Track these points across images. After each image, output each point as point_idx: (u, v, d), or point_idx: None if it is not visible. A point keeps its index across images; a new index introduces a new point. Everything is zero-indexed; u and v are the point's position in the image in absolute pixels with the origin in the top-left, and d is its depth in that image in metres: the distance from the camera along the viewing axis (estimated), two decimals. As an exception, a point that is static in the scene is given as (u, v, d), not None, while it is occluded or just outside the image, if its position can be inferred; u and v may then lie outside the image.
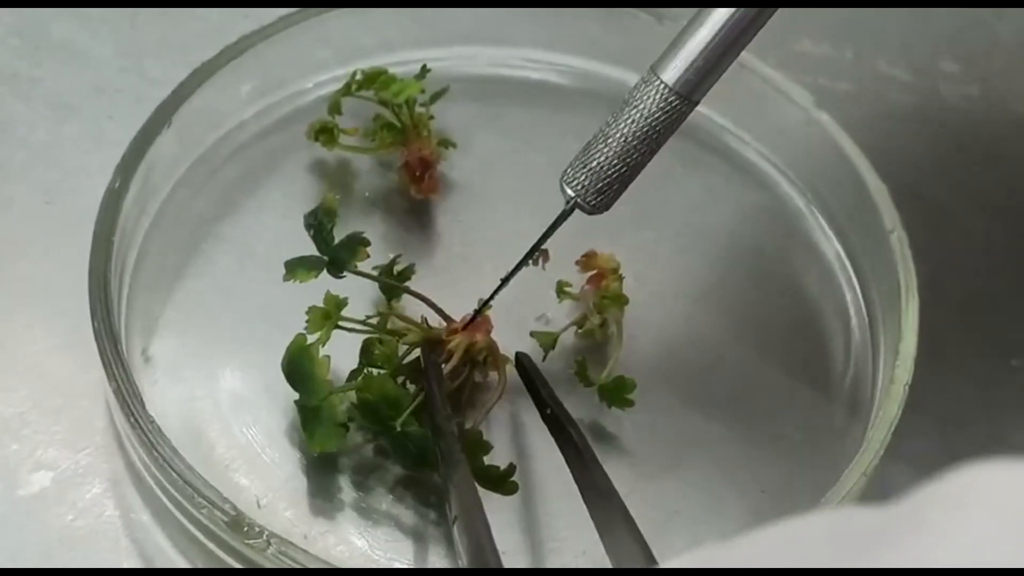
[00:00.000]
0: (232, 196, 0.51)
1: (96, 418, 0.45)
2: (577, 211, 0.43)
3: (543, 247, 0.45)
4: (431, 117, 0.52)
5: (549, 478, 0.45)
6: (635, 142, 0.42)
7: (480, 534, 0.37)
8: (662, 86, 0.41)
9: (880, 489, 0.43)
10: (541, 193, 0.48)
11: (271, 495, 0.43)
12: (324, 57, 0.54)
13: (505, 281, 0.45)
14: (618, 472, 0.45)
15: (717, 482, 0.45)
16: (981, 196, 0.55)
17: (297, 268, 0.43)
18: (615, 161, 0.42)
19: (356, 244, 0.44)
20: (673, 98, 0.41)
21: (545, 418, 0.45)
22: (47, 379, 0.46)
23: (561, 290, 0.48)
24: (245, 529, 0.39)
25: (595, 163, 0.42)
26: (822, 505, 0.41)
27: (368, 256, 0.44)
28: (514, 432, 0.46)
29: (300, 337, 0.43)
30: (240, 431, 0.45)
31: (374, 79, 0.51)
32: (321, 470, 0.44)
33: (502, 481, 0.43)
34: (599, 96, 0.55)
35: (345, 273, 0.44)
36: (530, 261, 0.45)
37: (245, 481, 0.44)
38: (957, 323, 0.50)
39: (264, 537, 0.39)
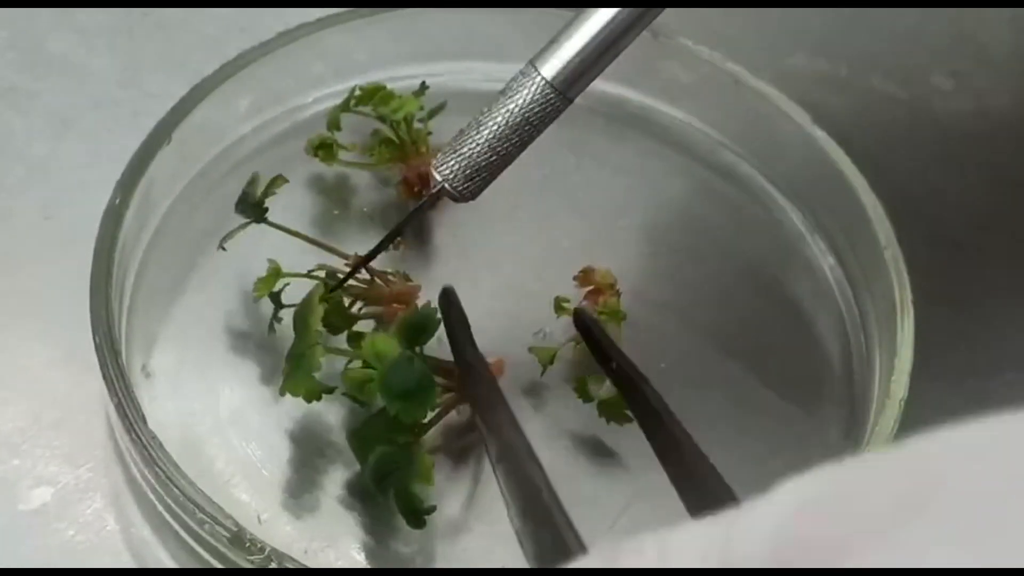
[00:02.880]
0: (232, 211, 0.51)
1: (96, 432, 0.45)
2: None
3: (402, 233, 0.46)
4: (429, 133, 0.53)
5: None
6: (508, 132, 0.42)
7: (532, 475, 0.35)
8: (540, 80, 0.42)
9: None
10: (537, 208, 0.48)
11: (271, 510, 0.44)
12: (322, 73, 0.54)
13: (366, 260, 0.45)
14: (617, 487, 0.45)
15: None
16: (975, 210, 0.56)
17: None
18: (485, 150, 0.42)
19: (271, 182, 0.46)
20: (550, 92, 0.42)
21: (609, 373, 0.44)
22: (47, 393, 0.46)
23: (559, 305, 0.48)
24: (247, 545, 0.39)
25: (466, 150, 0.43)
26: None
27: (287, 181, 0.47)
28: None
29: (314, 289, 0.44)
30: (240, 445, 0.45)
31: (373, 95, 0.51)
32: (322, 484, 0.44)
33: (418, 514, 0.42)
34: (595, 111, 0.56)
35: (266, 216, 0.46)
36: (389, 246, 0.46)
37: (245, 496, 0.44)
38: (952, 338, 0.51)
39: (266, 553, 0.39)
